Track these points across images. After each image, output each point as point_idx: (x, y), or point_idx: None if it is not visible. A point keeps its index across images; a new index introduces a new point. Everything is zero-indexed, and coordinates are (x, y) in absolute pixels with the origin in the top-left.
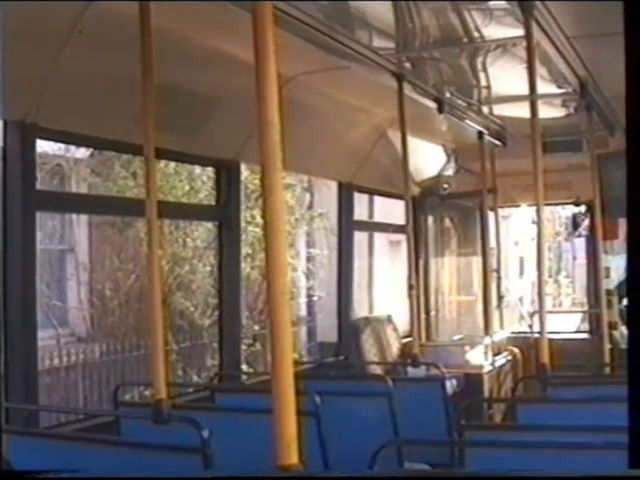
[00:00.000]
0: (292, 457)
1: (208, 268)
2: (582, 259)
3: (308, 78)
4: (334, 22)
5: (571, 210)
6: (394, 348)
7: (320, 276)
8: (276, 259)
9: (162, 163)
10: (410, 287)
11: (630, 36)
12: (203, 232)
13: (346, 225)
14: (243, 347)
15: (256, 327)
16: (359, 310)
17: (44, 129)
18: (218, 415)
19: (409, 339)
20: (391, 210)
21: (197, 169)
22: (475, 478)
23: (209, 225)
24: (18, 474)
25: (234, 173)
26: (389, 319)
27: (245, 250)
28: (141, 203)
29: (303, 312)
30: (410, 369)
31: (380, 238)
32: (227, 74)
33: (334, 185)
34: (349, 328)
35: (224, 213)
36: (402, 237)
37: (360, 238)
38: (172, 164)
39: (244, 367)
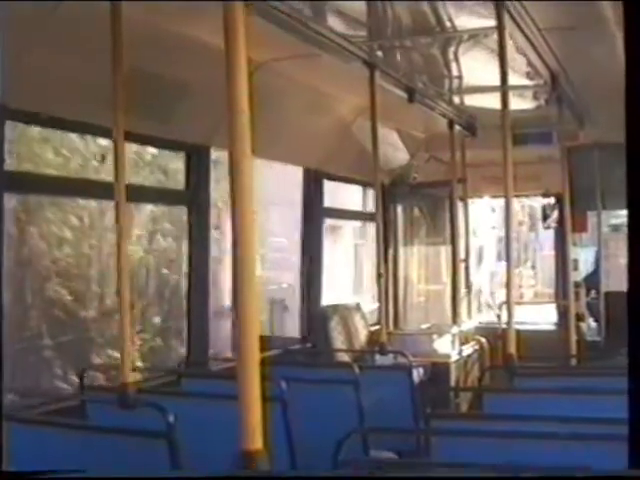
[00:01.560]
0: (257, 442)
1: (94, 251)
2: (548, 251)
3: (278, 64)
4: (305, 8)
5: (537, 200)
6: (362, 336)
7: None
8: (244, 246)
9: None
10: (379, 275)
11: (630, 36)
12: (89, 210)
13: (315, 212)
14: (138, 342)
15: (156, 319)
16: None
17: (13, 111)
18: (184, 400)
19: (377, 327)
20: (353, 198)
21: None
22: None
23: (93, 203)
24: (18, 474)
25: (204, 158)
26: (357, 307)
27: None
28: (110, 186)
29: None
30: (377, 357)
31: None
32: (198, 60)
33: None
34: (317, 315)
35: (194, 198)
36: (342, 223)
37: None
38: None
39: (139, 364)
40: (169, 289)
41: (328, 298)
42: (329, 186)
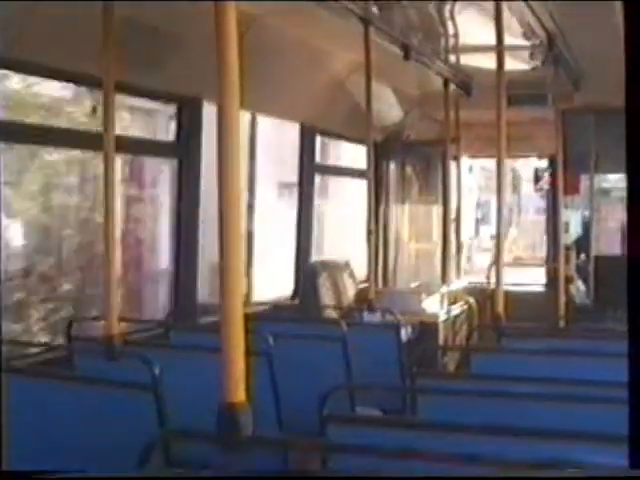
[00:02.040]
0: (240, 395)
1: None
2: (532, 215)
3: (273, 19)
4: None
5: (522, 162)
6: (350, 293)
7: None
8: (230, 200)
9: None
10: (369, 232)
11: (630, 36)
12: None
13: (307, 168)
14: (42, 312)
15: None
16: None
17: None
18: (170, 352)
19: (366, 285)
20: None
21: None
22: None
23: None
24: (18, 474)
25: (196, 110)
26: (346, 264)
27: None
28: (98, 137)
29: None
30: (365, 314)
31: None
32: (192, 11)
33: None
34: (305, 271)
35: (185, 150)
36: (295, 180)
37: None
38: None
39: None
40: (80, 253)
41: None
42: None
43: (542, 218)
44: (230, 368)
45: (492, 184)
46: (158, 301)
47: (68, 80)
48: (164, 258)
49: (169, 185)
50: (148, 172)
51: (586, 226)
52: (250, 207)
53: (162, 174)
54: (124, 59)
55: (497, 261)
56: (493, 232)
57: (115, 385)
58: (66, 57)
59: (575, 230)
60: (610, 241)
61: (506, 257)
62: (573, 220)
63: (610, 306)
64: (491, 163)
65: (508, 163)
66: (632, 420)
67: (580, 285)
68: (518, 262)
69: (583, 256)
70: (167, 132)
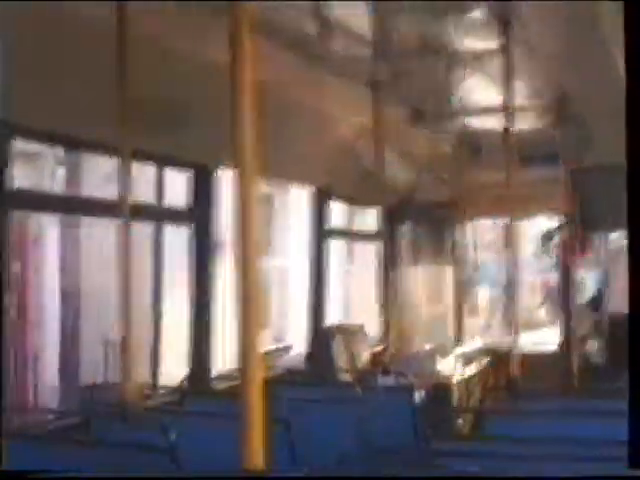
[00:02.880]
0: (259, 462)
1: None
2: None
3: (284, 84)
4: (311, 29)
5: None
6: (364, 356)
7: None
8: (248, 265)
9: None
10: (383, 295)
11: (630, 36)
12: None
13: (320, 233)
14: None
15: None
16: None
17: (17, 127)
18: (186, 418)
19: (380, 347)
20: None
21: None
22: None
23: None
24: (18, 474)
25: (210, 177)
26: (360, 327)
27: None
28: (114, 204)
29: None
30: (380, 377)
31: None
32: (204, 80)
33: None
34: (320, 335)
35: (199, 217)
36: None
37: None
38: None
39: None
40: None
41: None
42: None
43: (537, 278)
44: (249, 435)
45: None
46: None
47: (85, 148)
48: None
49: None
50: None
51: (599, 285)
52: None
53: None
54: (139, 127)
55: (512, 322)
56: (489, 294)
57: (133, 450)
58: (83, 125)
59: (588, 289)
60: (625, 300)
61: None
62: (587, 279)
63: (626, 365)
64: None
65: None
66: (632, 420)
67: (595, 344)
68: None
69: (597, 315)
70: (53, 179)
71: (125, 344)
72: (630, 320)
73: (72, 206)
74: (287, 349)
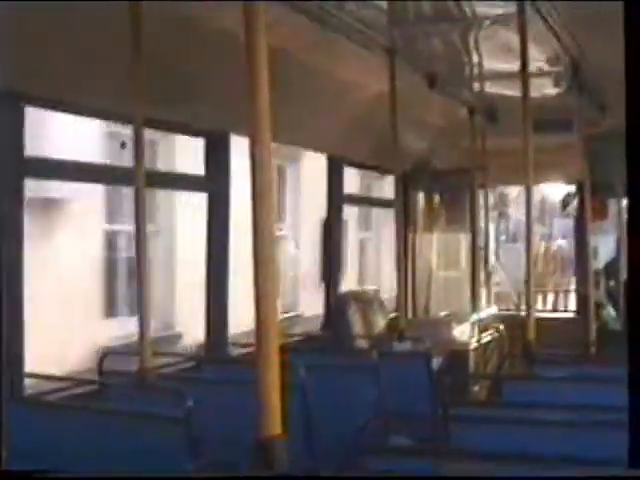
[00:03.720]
0: (276, 428)
1: None
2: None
3: (298, 50)
4: None
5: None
6: (381, 323)
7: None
8: (263, 232)
9: None
10: (398, 262)
11: (630, 36)
12: None
13: (336, 199)
14: None
15: None
16: None
17: (32, 96)
18: (203, 385)
19: (396, 314)
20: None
21: None
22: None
23: None
24: (18, 474)
25: (224, 144)
26: (376, 294)
27: None
28: (130, 171)
29: None
30: (396, 344)
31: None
32: (218, 47)
33: None
34: (336, 302)
35: (213, 185)
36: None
37: None
38: None
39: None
40: None
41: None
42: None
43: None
44: (266, 401)
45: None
46: None
47: (98, 117)
48: None
49: None
50: None
51: (615, 251)
52: None
53: None
54: (152, 95)
55: (527, 288)
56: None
57: (147, 418)
58: (96, 94)
59: (604, 255)
60: None
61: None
62: (602, 245)
63: None
64: None
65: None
66: (632, 420)
67: (611, 310)
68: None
69: (613, 282)
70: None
71: (141, 311)
72: (629, 316)
73: (88, 174)
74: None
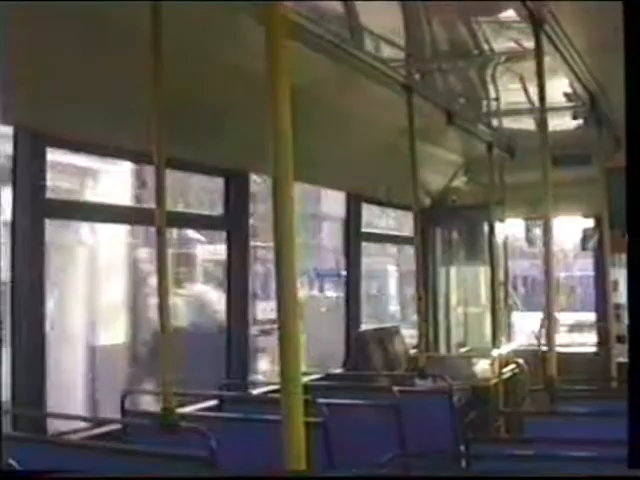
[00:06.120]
0: (299, 466)
1: None
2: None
3: (317, 89)
4: (344, 33)
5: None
6: (402, 360)
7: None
8: (287, 271)
9: None
10: (418, 299)
11: (630, 36)
12: None
13: (354, 236)
14: None
15: None
16: None
17: (54, 137)
18: (225, 425)
19: (416, 350)
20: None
21: None
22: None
23: None
24: (18, 474)
25: (243, 183)
26: (397, 330)
27: None
28: (150, 212)
29: None
30: (417, 381)
31: None
32: (237, 86)
33: None
34: (357, 340)
35: (233, 223)
36: None
37: None
38: None
39: None
40: None
41: None
42: None
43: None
44: (289, 440)
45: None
46: None
47: (121, 157)
48: None
49: None
50: None
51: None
52: None
53: None
54: (173, 136)
55: (549, 323)
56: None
57: (171, 458)
58: (118, 134)
59: (624, 289)
60: None
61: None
62: (622, 279)
63: None
64: None
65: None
66: (631, 420)
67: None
68: None
69: None
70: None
71: (163, 351)
72: (630, 321)
73: (108, 215)
74: None
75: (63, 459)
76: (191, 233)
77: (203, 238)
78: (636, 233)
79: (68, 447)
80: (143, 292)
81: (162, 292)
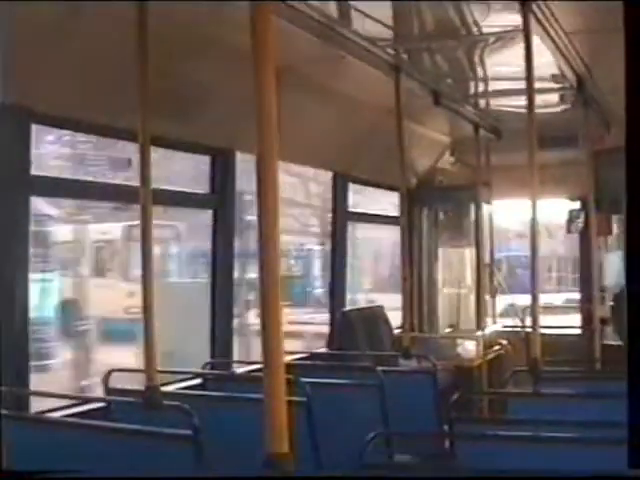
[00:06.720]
0: (283, 446)
1: None
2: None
3: (303, 67)
4: (331, 11)
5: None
6: (386, 340)
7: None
8: (269, 250)
9: None
10: (403, 279)
11: (630, 36)
12: None
13: (340, 216)
14: None
15: None
16: None
17: (38, 113)
18: (209, 403)
19: (401, 331)
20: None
21: None
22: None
23: None
24: (18, 474)
25: (230, 161)
26: (381, 310)
27: None
28: (135, 190)
29: None
30: (402, 361)
31: None
32: (223, 62)
33: None
34: (341, 319)
35: (219, 201)
36: None
37: None
38: None
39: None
40: None
41: None
42: None
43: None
44: (272, 418)
45: None
46: None
47: (104, 134)
48: None
49: None
50: None
51: (620, 267)
52: None
53: None
54: (159, 113)
55: (532, 305)
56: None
57: (154, 436)
58: (102, 111)
59: (610, 271)
60: None
61: None
62: (607, 261)
63: None
64: None
65: None
66: (631, 420)
67: (615, 326)
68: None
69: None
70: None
71: (146, 329)
72: (629, 320)
73: (92, 192)
74: None
75: (47, 436)
76: None
77: None
78: (635, 217)
79: (52, 424)
80: None
81: (146, 270)
